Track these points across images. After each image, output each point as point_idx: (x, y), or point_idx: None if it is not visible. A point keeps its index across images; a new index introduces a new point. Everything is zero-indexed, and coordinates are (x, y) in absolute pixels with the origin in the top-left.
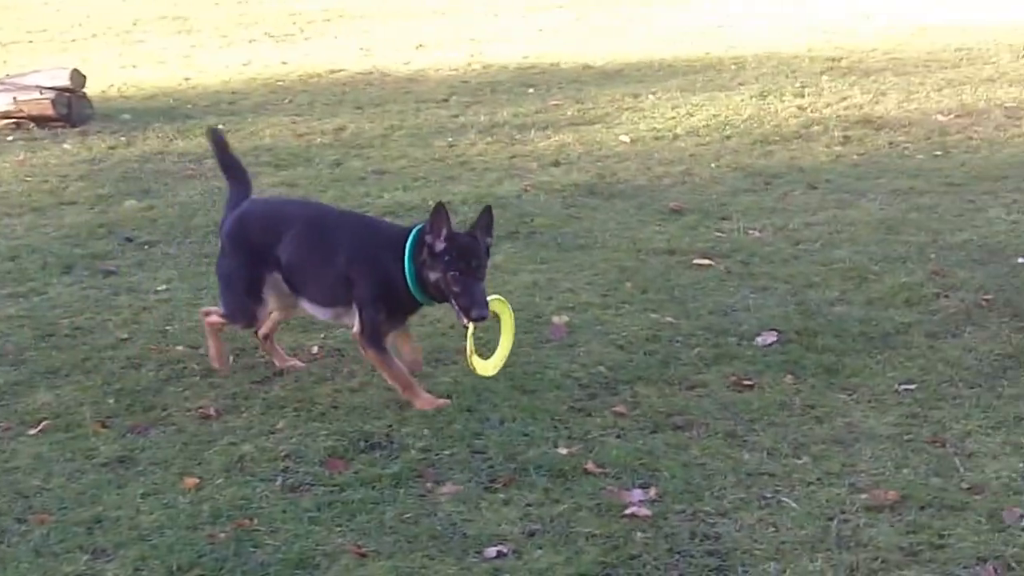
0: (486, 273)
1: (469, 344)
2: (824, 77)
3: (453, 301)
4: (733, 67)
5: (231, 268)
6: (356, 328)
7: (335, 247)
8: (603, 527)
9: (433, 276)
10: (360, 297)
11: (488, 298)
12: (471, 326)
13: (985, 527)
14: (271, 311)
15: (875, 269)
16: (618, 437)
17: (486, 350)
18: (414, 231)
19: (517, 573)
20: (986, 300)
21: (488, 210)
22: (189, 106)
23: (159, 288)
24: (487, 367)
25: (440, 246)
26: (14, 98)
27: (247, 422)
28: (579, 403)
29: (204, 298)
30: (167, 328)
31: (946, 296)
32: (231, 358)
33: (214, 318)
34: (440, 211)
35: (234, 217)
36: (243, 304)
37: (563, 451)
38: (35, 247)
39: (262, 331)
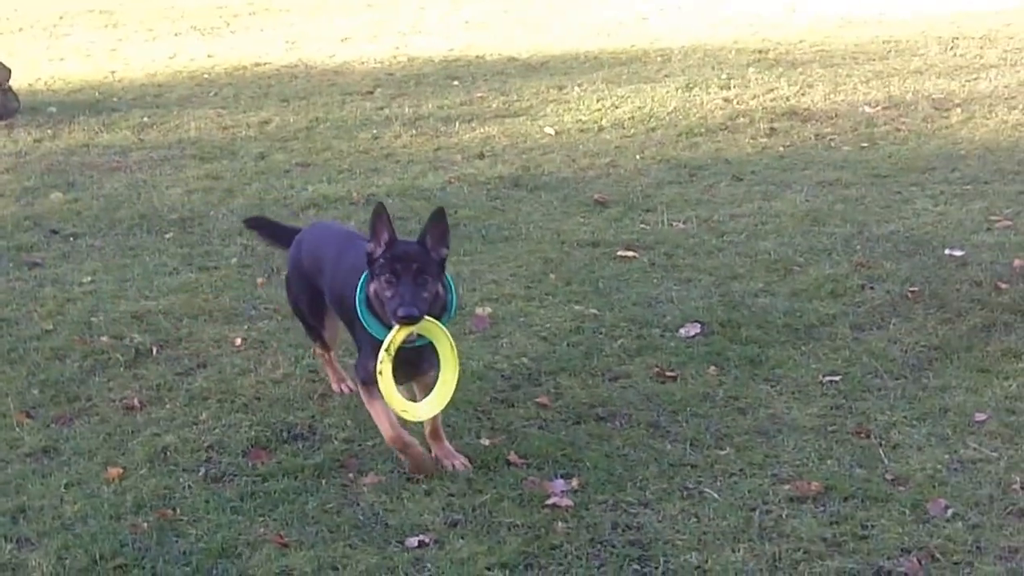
0: (431, 284)
1: (388, 346)
2: (751, 69)
3: (386, 308)
4: (659, 59)
5: (293, 293)
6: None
7: (345, 278)
8: (525, 517)
9: (372, 288)
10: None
11: (424, 315)
12: (397, 331)
13: (909, 518)
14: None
15: (800, 260)
16: (540, 428)
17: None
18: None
19: (439, 563)
20: (912, 292)
21: (438, 215)
22: (115, 99)
23: (84, 280)
24: (416, 410)
25: (378, 252)
26: None
27: (170, 413)
28: (502, 394)
29: (129, 290)
30: (92, 320)
31: (872, 288)
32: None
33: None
34: (380, 216)
35: (293, 243)
36: (308, 328)
37: (485, 442)
38: None
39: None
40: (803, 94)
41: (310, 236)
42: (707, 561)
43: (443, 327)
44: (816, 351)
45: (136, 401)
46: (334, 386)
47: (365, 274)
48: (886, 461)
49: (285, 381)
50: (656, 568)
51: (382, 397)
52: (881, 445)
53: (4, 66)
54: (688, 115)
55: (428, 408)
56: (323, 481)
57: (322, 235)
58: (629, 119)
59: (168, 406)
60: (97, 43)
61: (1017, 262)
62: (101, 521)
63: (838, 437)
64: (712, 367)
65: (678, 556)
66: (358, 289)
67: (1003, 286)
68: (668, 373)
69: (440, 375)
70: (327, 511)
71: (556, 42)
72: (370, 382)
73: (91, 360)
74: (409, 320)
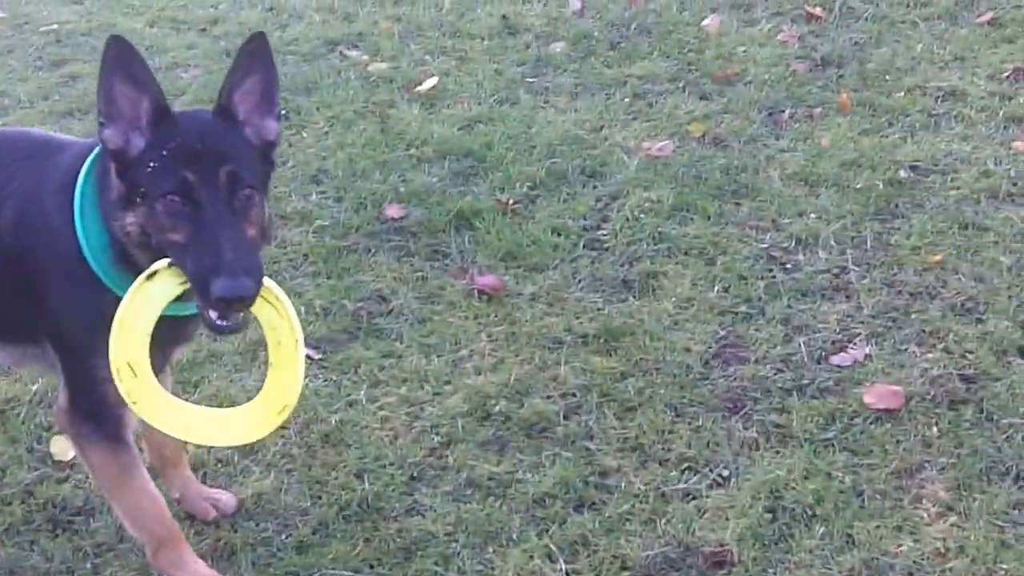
0: (257, 207)
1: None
2: None
3: (181, 262)
4: None
5: None
6: (61, 398)
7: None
8: None
9: (129, 221)
10: (52, 320)
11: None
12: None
13: None
14: None
15: None
16: None
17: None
18: (94, 153)
19: None
20: None
21: (257, 46)
22: None
23: None
24: (249, 427)
25: (134, 141)
26: None
27: None
28: None
29: None
30: None
31: None
32: None
33: None
34: (124, 50)
35: None
36: None
37: None
38: None
39: None
40: None
41: None
42: None
43: (274, 285)
44: None
45: None
46: None
47: (82, 187)
48: None
49: None
50: None
51: (135, 458)
52: None
53: None
54: None
55: (264, 417)
56: None
57: None
58: None
59: None
60: None
61: None
62: None
63: None
64: None
65: None
66: (78, 223)
67: None
68: None
69: (270, 372)
70: None
71: None
72: (110, 418)
73: None
74: (242, 302)
